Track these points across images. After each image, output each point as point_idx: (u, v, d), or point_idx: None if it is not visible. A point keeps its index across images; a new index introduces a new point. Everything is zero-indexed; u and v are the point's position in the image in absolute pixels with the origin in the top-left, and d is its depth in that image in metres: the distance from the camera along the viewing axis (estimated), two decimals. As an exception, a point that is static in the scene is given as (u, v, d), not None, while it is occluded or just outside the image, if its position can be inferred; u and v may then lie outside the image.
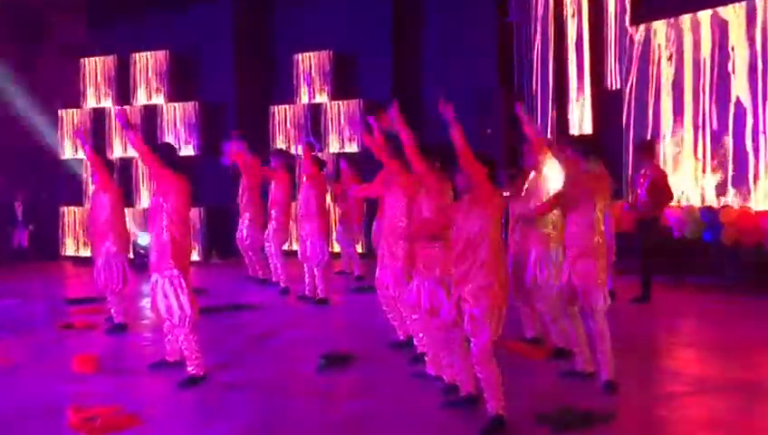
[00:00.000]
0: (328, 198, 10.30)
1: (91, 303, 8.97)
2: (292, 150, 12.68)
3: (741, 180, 9.62)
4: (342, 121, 12.89)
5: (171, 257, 5.64)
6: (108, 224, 7.36)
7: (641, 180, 7.99)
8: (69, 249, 13.61)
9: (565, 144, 6.40)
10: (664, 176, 8.20)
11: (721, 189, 9.86)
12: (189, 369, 5.79)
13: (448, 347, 5.17)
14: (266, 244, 9.73)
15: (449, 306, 4.93)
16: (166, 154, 5.88)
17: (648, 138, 10.40)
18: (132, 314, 8.01)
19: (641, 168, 8.20)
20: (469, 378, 5.02)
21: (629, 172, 10.92)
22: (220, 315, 8.18)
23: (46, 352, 6.95)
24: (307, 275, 8.95)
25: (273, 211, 9.55)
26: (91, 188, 8.93)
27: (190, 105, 13.20)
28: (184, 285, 5.68)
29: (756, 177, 9.44)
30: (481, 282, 4.64)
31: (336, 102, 12.96)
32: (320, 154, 12.45)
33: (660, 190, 7.92)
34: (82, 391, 5.73)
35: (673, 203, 9.29)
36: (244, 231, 10.01)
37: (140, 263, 9.90)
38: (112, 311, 7.66)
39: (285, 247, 9.98)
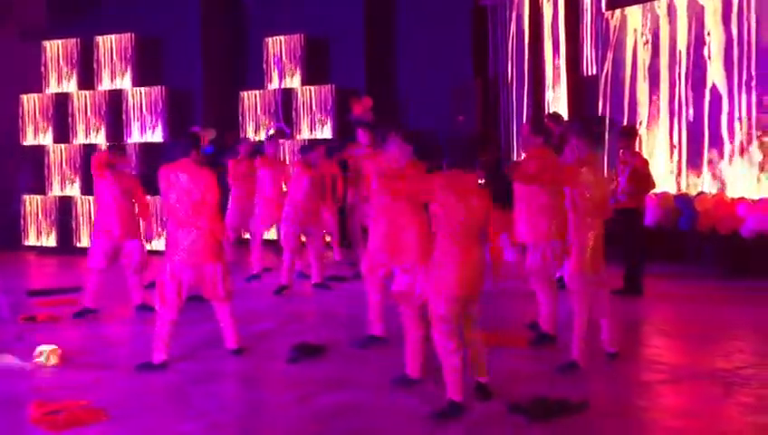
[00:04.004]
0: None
1: (54, 294, 8.72)
2: (262, 136, 12.46)
3: (716, 167, 9.59)
4: (314, 107, 12.66)
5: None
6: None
7: (622, 168, 7.88)
8: (31, 239, 13.21)
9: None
10: (645, 163, 8.09)
11: (696, 176, 9.83)
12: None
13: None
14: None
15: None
16: None
17: (628, 124, 10.32)
18: (100, 304, 7.80)
19: (621, 154, 8.07)
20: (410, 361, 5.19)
21: (606, 159, 10.82)
22: (190, 307, 7.96)
23: (7, 345, 6.66)
24: (312, 262, 8.80)
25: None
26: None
27: (156, 90, 12.82)
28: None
29: (731, 163, 9.42)
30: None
31: (308, 88, 12.71)
32: (289, 141, 12.29)
33: (642, 178, 7.81)
34: (46, 385, 5.54)
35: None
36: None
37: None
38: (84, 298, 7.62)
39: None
